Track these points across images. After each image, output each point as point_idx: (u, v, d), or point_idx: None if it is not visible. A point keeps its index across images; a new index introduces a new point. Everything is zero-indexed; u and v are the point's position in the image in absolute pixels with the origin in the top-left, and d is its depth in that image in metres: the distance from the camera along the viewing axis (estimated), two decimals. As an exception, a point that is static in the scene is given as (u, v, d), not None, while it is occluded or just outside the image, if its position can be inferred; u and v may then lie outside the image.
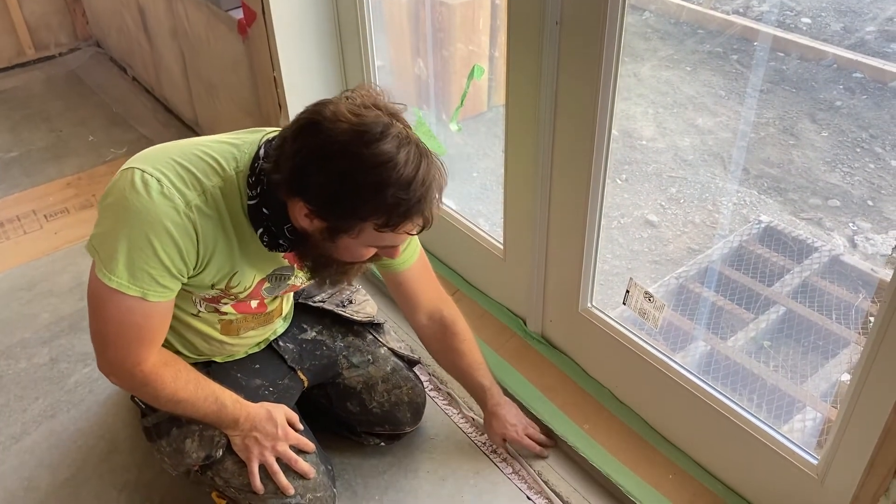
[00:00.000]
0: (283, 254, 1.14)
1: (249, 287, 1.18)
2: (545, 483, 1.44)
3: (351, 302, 1.49)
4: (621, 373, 1.49)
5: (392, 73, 2.63)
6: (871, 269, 2.01)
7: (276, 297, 1.29)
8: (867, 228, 2.40)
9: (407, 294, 1.37)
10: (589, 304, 1.50)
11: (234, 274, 1.13)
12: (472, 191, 2.55)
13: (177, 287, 1.08)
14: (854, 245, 2.31)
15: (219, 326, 1.26)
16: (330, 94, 1.09)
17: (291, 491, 1.22)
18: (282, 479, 1.22)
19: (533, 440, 1.44)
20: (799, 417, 1.60)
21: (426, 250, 1.93)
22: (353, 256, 1.08)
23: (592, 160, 1.30)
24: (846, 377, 1.71)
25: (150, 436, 1.29)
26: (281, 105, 1.91)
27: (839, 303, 1.91)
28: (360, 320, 1.46)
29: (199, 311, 1.21)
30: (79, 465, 1.50)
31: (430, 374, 1.67)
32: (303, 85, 1.88)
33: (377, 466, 1.48)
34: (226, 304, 1.20)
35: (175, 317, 1.19)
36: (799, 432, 1.57)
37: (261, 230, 1.08)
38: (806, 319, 1.87)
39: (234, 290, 1.16)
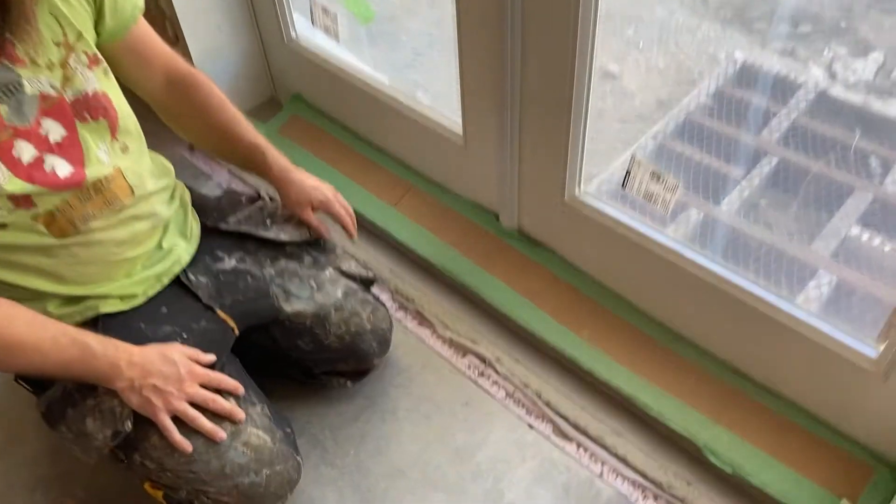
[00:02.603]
0: None
1: None
2: (546, 405, 1.22)
3: (273, 220, 1.18)
4: (621, 266, 1.25)
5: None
6: (863, 103, 1.79)
7: (96, 159, 0.95)
8: (844, 54, 2.16)
9: (141, 58, 1.07)
10: (577, 192, 1.23)
11: None
12: (403, 58, 2.19)
13: None
14: (833, 75, 2.08)
15: (42, 226, 0.93)
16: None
17: (222, 434, 0.98)
18: (204, 423, 0.97)
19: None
20: (813, 284, 1.42)
21: (364, 141, 1.61)
22: None
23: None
24: (855, 230, 1.52)
25: (49, 421, 1.01)
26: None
27: (835, 144, 1.69)
28: (289, 240, 1.17)
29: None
30: (-25, 464, 1.21)
31: (392, 290, 1.40)
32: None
33: (346, 412, 1.24)
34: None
35: None
36: (815, 301, 1.39)
37: None
38: (802, 168, 1.66)
39: None
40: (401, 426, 1.21)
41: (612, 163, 1.69)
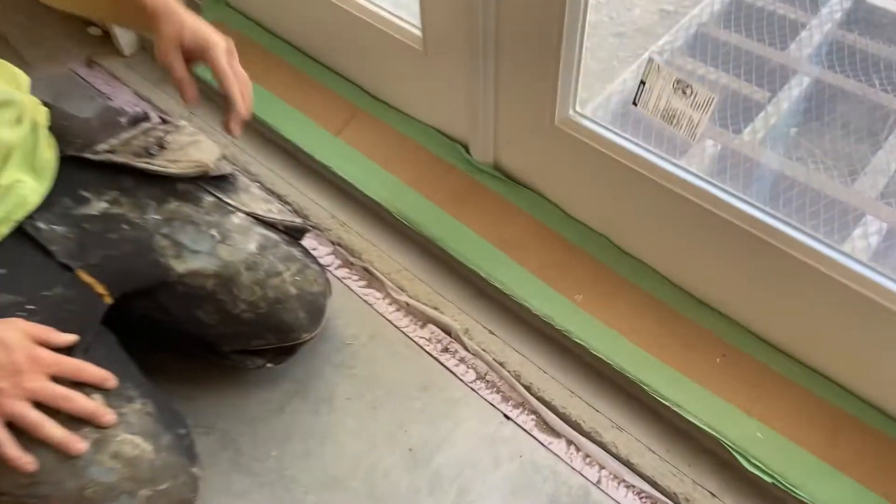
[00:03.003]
0: None
1: None
2: (527, 388, 0.95)
3: (162, 147, 0.88)
4: (626, 210, 0.96)
5: None
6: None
7: None
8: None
9: None
10: (571, 112, 0.93)
11: None
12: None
13: None
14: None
15: None
16: None
17: (80, 445, 0.71)
18: (52, 430, 0.70)
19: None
20: (859, 232, 1.14)
21: (300, 52, 1.28)
22: None
23: None
24: (907, 166, 1.24)
25: None
26: None
27: (877, 62, 1.40)
28: (181, 174, 0.87)
29: None
30: None
31: (334, 243, 1.10)
32: None
33: (268, 402, 0.95)
34: None
35: None
36: (863, 252, 1.11)
37: None
38: (839, 90, 1.37)
39: None
40: (339, 419, 0.94)
41: (609, 84, 1.39)
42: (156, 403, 0.80)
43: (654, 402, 0.90)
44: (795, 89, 1.37)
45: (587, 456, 0.90)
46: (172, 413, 0.82)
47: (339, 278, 1.07)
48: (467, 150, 1.09)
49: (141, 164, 0.85)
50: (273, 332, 0.90)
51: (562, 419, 0.93)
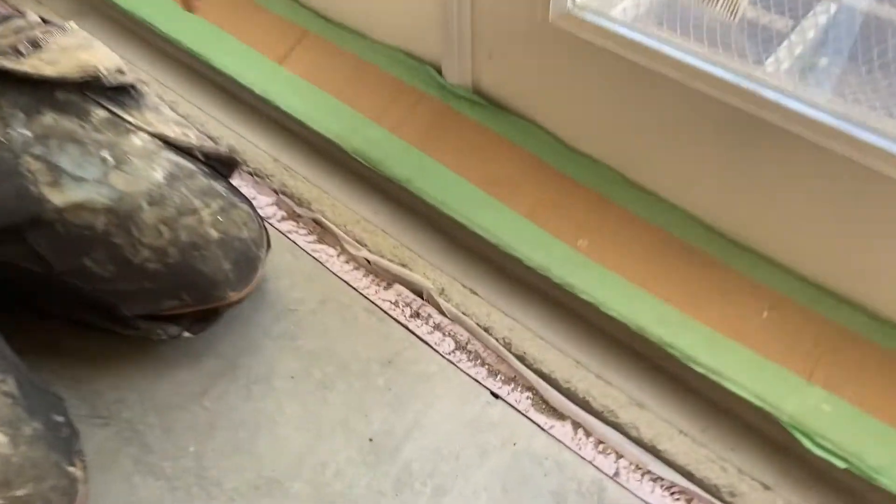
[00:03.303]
0: None
1: None
2: (520, 359, 0.74)
3: (37, 45, 0.67)
4: (643, 129, 0.76)
5: None
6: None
7: None
8: None
9: None
10: (570, 5, 0.73)
11: None
12: None
13: None
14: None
15: None
16: None
17: None
18: None
19: None
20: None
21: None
22: None
23: None
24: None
25: None
26: None
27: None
28: (60, 77, 0.66)
29: None
30: None
31: (277, 191, 0.89)
32: None
33: (186, 385, 0.74)
34: None
35: None
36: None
37: None
38: (873, 17, 1.18)
39: None
40: (278, 405, 0.72)
41: None
42: (18, 381, 0.59)
43: (685, 369, 0.69)
44: (821, 16, 1.18)
45: (600, 442, 0.70)
46: (42, 394, 0.61)
47: (282, 232, 0.86)
48: (439, 73, 0.89)
49: (6, 64, 0.64)
50: (189, 290, 0.69)
51: (566, 396, 0.72)
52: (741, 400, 0.67)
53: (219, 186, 0.71)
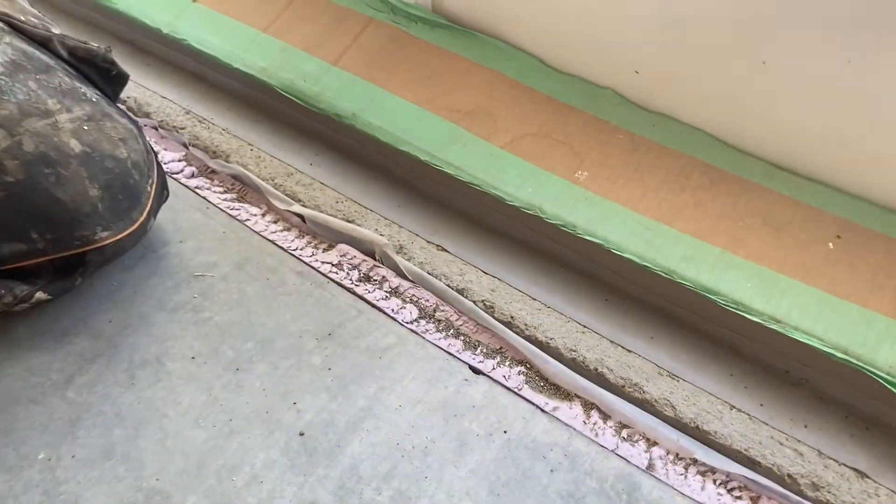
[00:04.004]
0: None
1: None
2: (507, 325, 0.55)
3: None
4: (638, 37, 0.60)
5: None
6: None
7: None
8: None
9: None
10: None
11: None
12: None
13: None
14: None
15: None
16: None
17: None
18: None
19: None
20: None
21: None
22: None
23: None
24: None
25: None
26: None
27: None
28: None
29: None
30: None
31: (187, 145, 0.70)
32: None
33: (44, 369, 0.53)
34: None
35: None
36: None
37: None
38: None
39: None
40: (172, 393, 0.51)
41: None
42: None
43: (730, 322, 0.51)
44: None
45: (623, 426, 0.50)
46: None
47: (192, 189, 0.66)
48: (391, -6, 0.73)
49: None
50: (40, 226, 0.49)
51: (571, 368, 0.53)
52: (814, 353, 0.48)
53: (89, 91, 0.52)
